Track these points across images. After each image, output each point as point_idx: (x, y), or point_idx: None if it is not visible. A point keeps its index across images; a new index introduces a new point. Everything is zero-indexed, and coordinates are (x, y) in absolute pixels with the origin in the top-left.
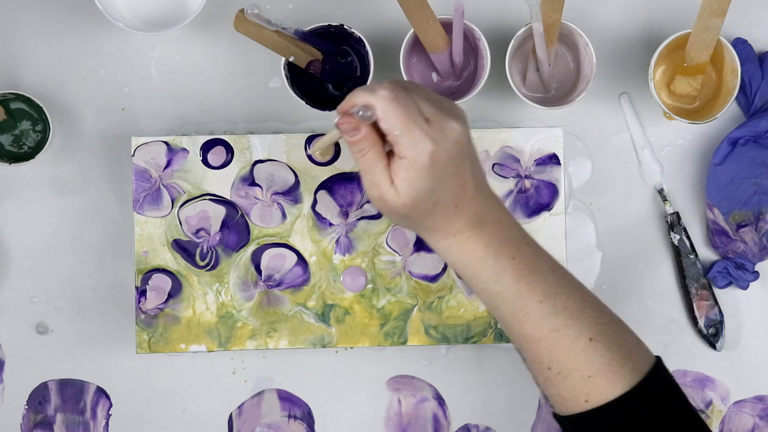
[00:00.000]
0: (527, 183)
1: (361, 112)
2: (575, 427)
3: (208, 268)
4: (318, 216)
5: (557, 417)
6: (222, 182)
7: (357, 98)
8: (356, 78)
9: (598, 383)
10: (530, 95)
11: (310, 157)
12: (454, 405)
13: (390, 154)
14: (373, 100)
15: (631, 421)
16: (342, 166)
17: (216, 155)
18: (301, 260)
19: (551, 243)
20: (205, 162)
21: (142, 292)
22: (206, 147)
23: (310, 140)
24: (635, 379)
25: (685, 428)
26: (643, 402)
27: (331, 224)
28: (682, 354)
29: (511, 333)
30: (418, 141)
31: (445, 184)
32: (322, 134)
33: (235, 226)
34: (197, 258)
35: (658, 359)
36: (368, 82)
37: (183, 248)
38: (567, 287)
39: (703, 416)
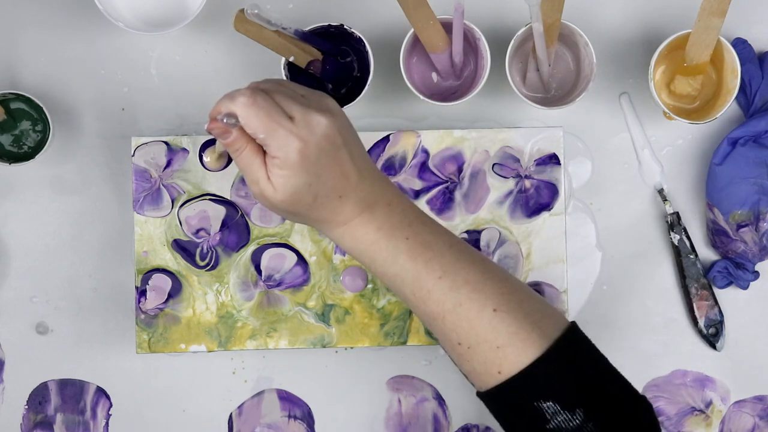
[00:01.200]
0: (527, 183)
1: (225, 120)
2: (494, 401)
3: (208, 268)
4: None
5: (479, 395)
6: (222, 182)
7: (220, 106)
8: (356, 78)
9: (507, 353)
10: (530, 95)
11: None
12: (454, 405)
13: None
14: (233, 107)
15: (543, 386)
16: None
17: (215, 155)
18: (301, 260)
19: (551, 243)
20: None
21: (142, 292)
22: (205, 147)
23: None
24: (544, 345)
25: (600, 387)
26: (555, 367)
27: None
28: (682, 354)
29: (417, 313)
30: (284, 141)
31: (321, 177)
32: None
33: (235, 226)
34: (197, 258)
35: (573, 324)
36: (367, 82)
37: (183, 248)
38: (467, 262)
39: (702, 416)
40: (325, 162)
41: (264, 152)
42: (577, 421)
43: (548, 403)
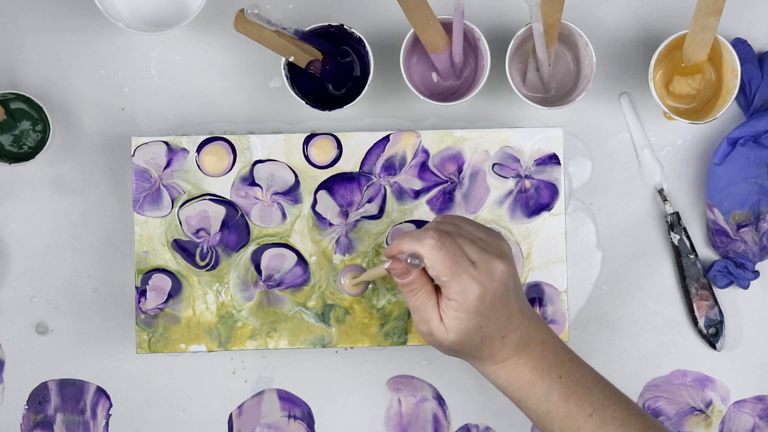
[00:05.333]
0: (527, 183)
1: (409, 260)
2: None
3: (208, 268)
4: (318, 216)
5: None
6: (222, 182)
7: (404, 246)
8: (356, 78)
9: None
10: (530, 95)
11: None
12: (454, 405)
13: (438, 290)
14: (420, 248)
15: None
16: (342, 166)
17: (214, 155)
18: (301, 260)
19: (551, 243)
20: (201, 168)
21: (142, 292)
22: (203, 146)
23: (309, 140)
24: None
25: None
26: None
27: (331, 224)
28: (682, 354)
29: None
30: (466, 285)
31: (491, 319)
32: (321, 133)
33: (235, 226)
34: (197, 258)
35: None
36: (367, 82)
37: (183, 248)
38: (612, 398)
39: (702, 416)
40: (497, 305)
41: (437, 293)
42: None
43: None
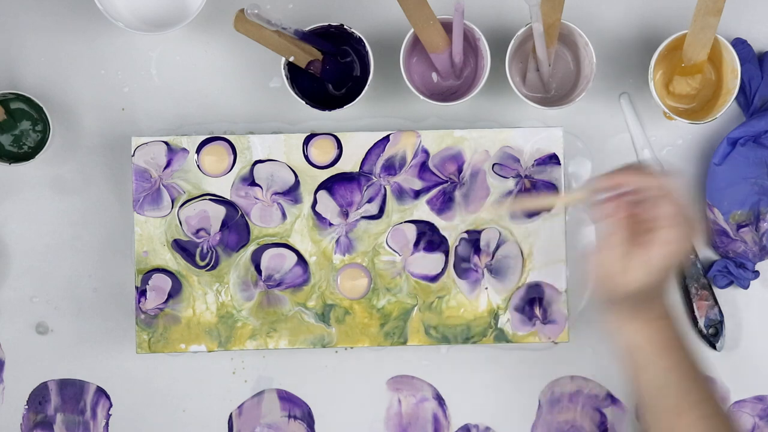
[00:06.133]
0: (527, 183)
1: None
2: None
3: (208, 268)
4: (318, 216)
5: None
6: (222, 182)
7: (640, 180)
8: (356, 78)
9: None
10: (530, 95)
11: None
12: (454, 405)
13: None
14: (658, 182)
15: None
16: (342, 166)
17: (214, 155)
18: (301, 260)
19: (551, 243)
20: (201, 168)
21: (142, 292)
22: (203, 146)
23: (309, 140)
24: None
25: None
26: None
27: (331, 224)
28: None
29: (655, 410)
30: (681, 236)
31: (669, 277)
32: (321, 133)
33: (235, 226)
34: (197, 258)
35: None
36: (367, 82)
37: (183, 248)
38: (712, 390)
39: None
40: (673, 267)
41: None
42: None
43: None
